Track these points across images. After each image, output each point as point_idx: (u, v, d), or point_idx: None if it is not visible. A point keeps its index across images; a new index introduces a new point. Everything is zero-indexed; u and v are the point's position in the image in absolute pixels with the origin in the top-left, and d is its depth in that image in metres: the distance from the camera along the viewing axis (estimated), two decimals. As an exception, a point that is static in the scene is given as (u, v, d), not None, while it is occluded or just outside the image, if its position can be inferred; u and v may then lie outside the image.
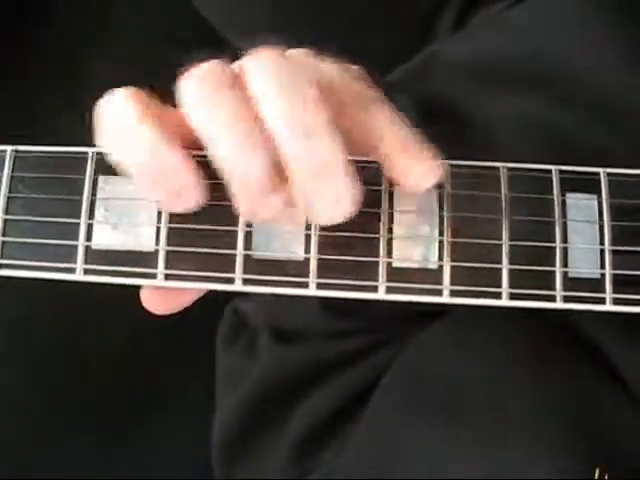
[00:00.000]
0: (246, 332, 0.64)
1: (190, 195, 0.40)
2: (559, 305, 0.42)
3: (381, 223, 0.42)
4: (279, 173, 0.39)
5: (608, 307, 0.43)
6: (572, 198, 0.43)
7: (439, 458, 0.52)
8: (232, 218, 0.41)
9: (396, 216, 0.42)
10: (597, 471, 0.49)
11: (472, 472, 0.51)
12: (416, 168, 0.40)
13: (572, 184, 0.43)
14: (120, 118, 0.40)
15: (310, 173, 0.39)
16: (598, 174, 0.44)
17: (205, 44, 0.69)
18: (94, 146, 0.42)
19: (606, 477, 0.50)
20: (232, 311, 0.65)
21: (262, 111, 0.39)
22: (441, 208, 0.42)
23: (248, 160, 0.38)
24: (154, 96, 0.42)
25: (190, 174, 0.39)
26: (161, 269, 0.41)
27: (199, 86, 0.40)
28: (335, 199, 0.39)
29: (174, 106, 0.41)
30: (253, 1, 0.67)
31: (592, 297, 0.43)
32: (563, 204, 0.43)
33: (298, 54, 0.43)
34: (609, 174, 0.44)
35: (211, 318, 0.64)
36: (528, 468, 0.50)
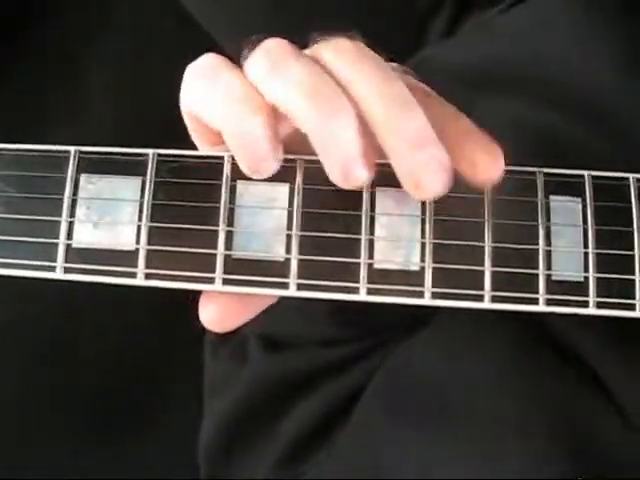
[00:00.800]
0: (234, 338, 0.64)
1: (267, 162, 0.40)
2: (542, 308, 0.42)
3: (363, 225, 0.41)
4: None
5: (591, 310, 0.42)
6: (556, 201, 0.43)
7: (425, 462, 0.52)
8: (213, 218, 0.41)
9: (378, 218, 0.42)
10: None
11: (457, 477, 0.51)
12: (484, 158, 0.40)
13: (556, 187, 0.43)
14: (217, 78, 0.40)
15: (415, 144, 0.38)
16: (582, 177, 0.43)
17: (205, 44, 0.69)
18: (78, 145, 0.42)
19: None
20: None
21: (353, 89, 0.39)
22: (423, 210, 0.42)
23: (338, 128, 0.38)
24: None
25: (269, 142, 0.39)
26: (141, 268, 0.41)
27: (270, 56, 0.40)
28: (439, 167, 0.39)
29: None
30: (245, 4, 0.67)
31: (575, 300, 0.42)
32: (547, 207, 0.43)
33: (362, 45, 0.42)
34: (593, 177, 0.43)
35: (200, 322, 0.63)
36: (512, 476, 0.50)
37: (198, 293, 0.43)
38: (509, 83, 0.55)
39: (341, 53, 0.40)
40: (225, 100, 0.40)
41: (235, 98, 0.40)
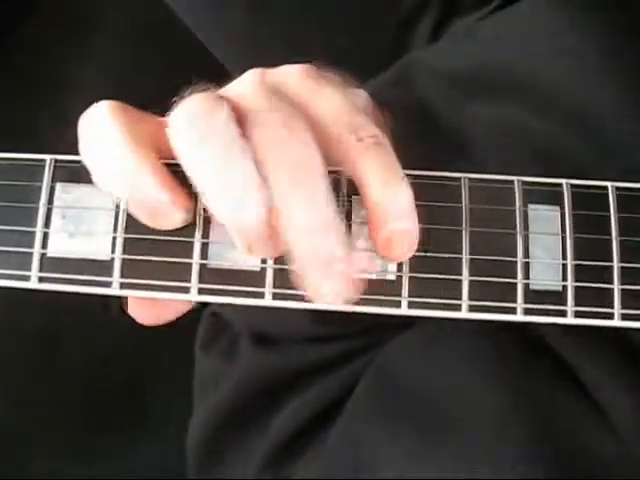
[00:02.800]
0: (225, 335, 0.63)
1: (170, 215, 0.40)
2: (520, 318, 0.42)
3: None
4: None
5: (570, 320, 0.42)
6: (534, 209, 0.43)
7: (408, 463, 0.52)
8: (189, 228, 0.41)
9: (354, 227, 0.41)
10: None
11: (438, 478, 0.50)
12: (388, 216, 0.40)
13: (535, 195, 0.43)
14: (100, 137, 0.40)
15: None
16: (561, 185, 0.43)
17: (190, 49, 0.69)
18: (54, 153, 0.42)
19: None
20: (210, 314, 0.65)
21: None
22: None
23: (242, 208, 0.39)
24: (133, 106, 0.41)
25: (169, 196, 0.40)
26: (116, 278, 0.41)
27: (191, 127, 0.39)
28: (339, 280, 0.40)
29: (157, 112, 0.41)
30: (230, 4, 0.67)
31: (553, 310, 0.42)
32: (525, 215, 0.43)
33: (297, 79, 0.42)
34: (572, 185, 0.43)
35: (191, 320, 0.63)
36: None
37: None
38: (495, 88, 0.55)
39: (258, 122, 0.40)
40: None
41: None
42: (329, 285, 0.39)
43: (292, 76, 0.42)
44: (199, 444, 0.62)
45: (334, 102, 0.41)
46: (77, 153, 0.41)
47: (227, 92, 0.41)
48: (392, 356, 0.56)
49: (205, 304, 0.66)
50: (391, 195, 0.39)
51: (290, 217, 0.38)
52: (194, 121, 0.39)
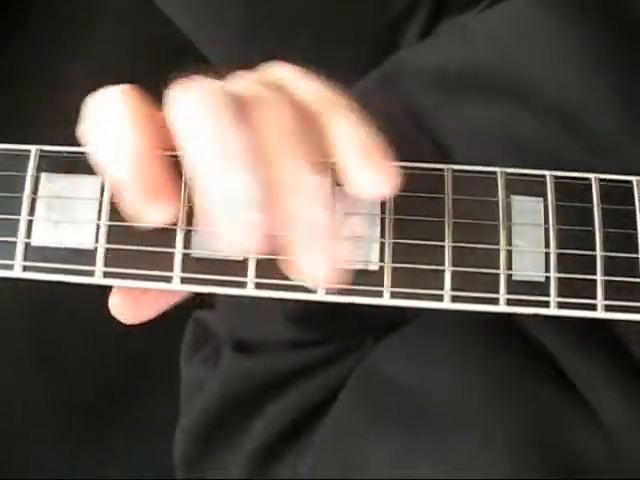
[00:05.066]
0: (210, 342, 0.64)
1: (161, 208, 0.40)
2: (502, 308, 0.42)
3: None
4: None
5: (553, 311, 0.42)
6: (517, 201, 0.43)
7: (393, 469, 0.52)
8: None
9: (337, 217, 0.42)
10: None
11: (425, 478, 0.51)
12: (368, 181, 0.39)
13: (518, 187, 0.43)
14: (109, 116, 0.40)
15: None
16: (544, 177, 0.43)
17: (177, 48, 0.70)
18: (39, 144, 0.42)
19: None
20: (196, 321, 0.65)
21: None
22: (383, 209, 0.42)
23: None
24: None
25: (167, 190, 0.39)
26: (100, 267, 0.41)
27: (192, 109, 0.39)
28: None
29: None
30: (220, 5, 0.68)
31: (536, 300, 0.42)
32: (508, 206, 0.43)
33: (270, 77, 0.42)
34: (556, 177, 0.43)
35: (178, 328, 0.64)
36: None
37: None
38: (481, 87, 0.55)
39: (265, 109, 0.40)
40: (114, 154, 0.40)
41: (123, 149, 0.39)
42: (321, 261, 0.39)
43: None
44: (185, 450, 0.62)
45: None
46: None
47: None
48: (378, 359, 0.57)
49: (193, 308, 0.66)
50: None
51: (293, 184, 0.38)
52: (193, 92, 0.39)
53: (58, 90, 0.70)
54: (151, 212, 0.39)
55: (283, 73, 0.42)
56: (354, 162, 0.39)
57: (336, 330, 0.58)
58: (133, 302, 0.42)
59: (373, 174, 0.39)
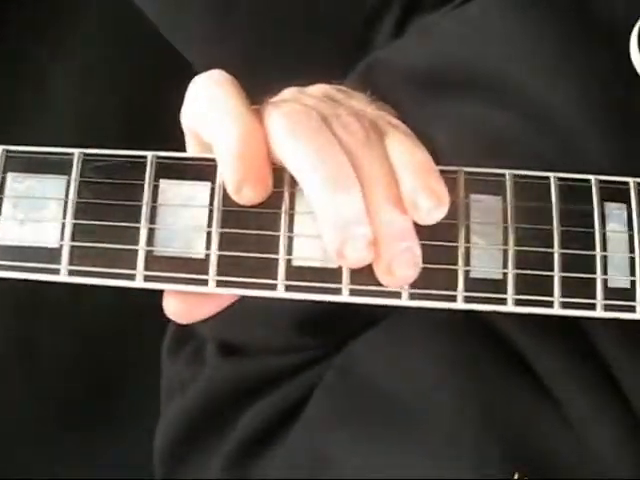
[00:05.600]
0: (192, 342, 0.64)
1: (260, 186, 0.41)
2: (460, 306, 0.43)
3: (282, 222, 0.42)
4: None
5: (510, 308, 0.43)
6: (477, 200, 0.44)
7: (363, 460, 0.52)
8: (136, 216, 0.42)
9: (297, 217, 0.42)
10: (516, 475, 0.49)
11: (392, 475, 0.51)
12: (426, 203, 0.41)
13: (478, 186, 0.44)
14: (220, 96, 0.41)
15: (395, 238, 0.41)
16: (504, 176, 0.44)
17: (160, 48, 0.70)
18: (21, 143, 0.43)
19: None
20: None
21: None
22: None
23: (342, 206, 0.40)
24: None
25: (267, 167, 0.41)
26: (64, 265, 0.42)
27: (296, 125, 0.41)
28: (412, 261, 0.41)
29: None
30: (196, 4, 0.69)
31: (494, 298, 0.43)
32: (468, 205, 0.43)
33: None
34: (515, 176, 0.44)
35: (159, 326, 0.64)
36: (447, 475, 0.50)
37: (159, 296, 0.43)
38: (456, 85, 0.55)
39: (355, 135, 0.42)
40: (225, 123, 0.41)
41: (235, 122, 0.41)
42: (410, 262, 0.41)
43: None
44: (164, 449, 0.63)
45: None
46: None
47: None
48: (353, 355, 0.57)
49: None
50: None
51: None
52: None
53: (40, 90, 0.71)
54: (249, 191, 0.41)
55: (331, 91, 0.44)
56: (414, 189, 0.41)
57: (325, 333, 0.58)
58: (182, 299, 0.43)
59: (432, 202, 0.41)
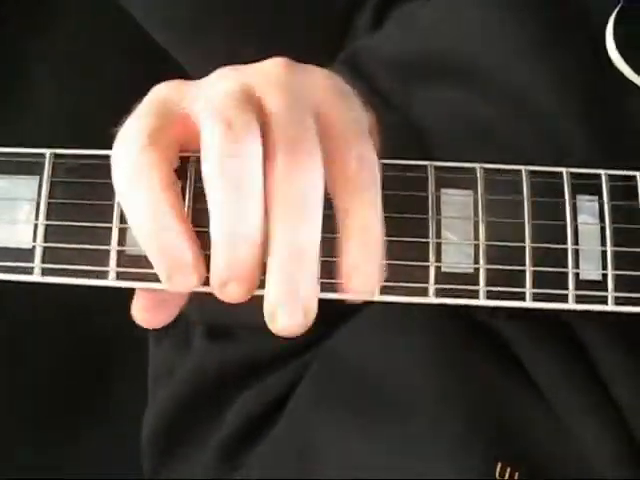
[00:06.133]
0: (178, 326, 0.64)
1: (188, 273, 0.41)
2: (432, 300, 0.43)
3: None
4: None
5: (481, 302, 0.43)
6: (447, 194, 0.44)
7: (348, 447, 0.52)
8: (108, 216, 0.42)
9: None
10: (499, 466, 0.50)
11: (377, 465, 0.51)
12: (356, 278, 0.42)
13: (448, 180, 0.44)
14: (133, 177, 0.41)
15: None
16: (475, 170, 0.44)
17: (145, 47, 0.70)
18: (5, 144, 0.43)
19: (516, 477, 0.50)
20: None
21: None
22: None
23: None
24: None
25: (191, 252, 0.41)
26: (38, 264, 0.42)
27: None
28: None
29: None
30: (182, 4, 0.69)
31: (465, 291, 0.43)
32: (438, 200, 0.43)
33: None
34: (486, 170, 0.44)
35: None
36: (428, 467, 0.50)
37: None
38: (440, 73, 0.55)
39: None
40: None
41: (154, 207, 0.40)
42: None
43: (318, 85, 0.44)
44: (153, 437, 0.63)
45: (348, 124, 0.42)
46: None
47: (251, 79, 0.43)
48: (340, 341, 0.57)
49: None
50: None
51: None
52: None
53: (23, 89, 0.71)
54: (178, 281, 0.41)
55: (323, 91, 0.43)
56: (353, 263, 0.41)
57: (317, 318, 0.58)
58: (154, 308, 0.43)
59: (363, 285, 0.42)
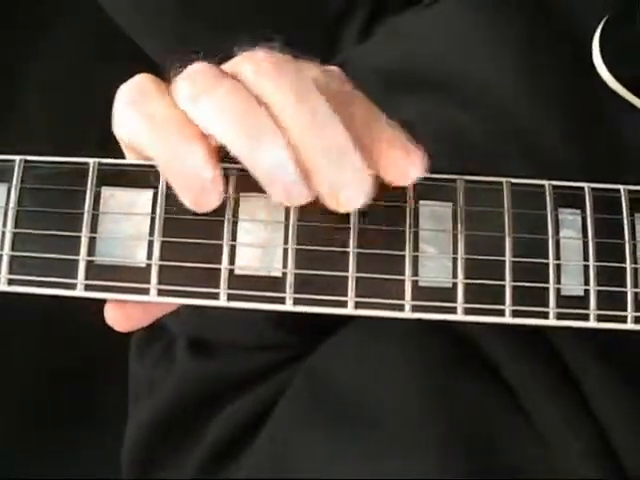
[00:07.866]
0: (160, 341, 0.64)
1: (211, 193, 0.40)
2: (407, 315, 0.42)
3: (225, 230, 0.41)
4: None
5: (459, 317, 0.42)
6: (426, 206, 0.43)
7: (324, 466, 0.52)
8: (77, 224, 0.41)
9: (241, 224, 0.42)
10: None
11: (355, 476, 0.51)
12: (401, 161, 0.40)
13: (428, 192, 0.43)
14: (148, 106, 0.40)
15: (333, 159, 0.39)
16: (455, 182, 0.43)
17: (135, 47, 0.70)
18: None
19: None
20: None
21: (272, 108, 0.39)
22: (287, 216, 0.42)
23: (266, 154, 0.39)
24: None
25: (212, 170, 0.39)
26: (4, 274, 0.41)
27: (195, 82, 0.40)
28: (359, 179, 0.39)
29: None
30: (159, 5, 0.68)
31: (443, 306, 0.42)
32: (416, 212, 0.42)
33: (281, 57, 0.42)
34: (466, 181, 0.43)
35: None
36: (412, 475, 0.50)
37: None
38: (418, 86, 0.55)
39: (258, 71, 0.40)
40: (155, 129, 0.40)
41: (165, 126, 0.39)
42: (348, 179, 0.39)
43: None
44: (133, 452, 0.63)
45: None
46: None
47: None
48: (323, 357, 0.57)
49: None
50: None
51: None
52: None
53: (11, 92, 0.70)
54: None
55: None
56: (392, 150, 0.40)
57: (299, 329, 0.58)
58: (125, 313, 0.42)
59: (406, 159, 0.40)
